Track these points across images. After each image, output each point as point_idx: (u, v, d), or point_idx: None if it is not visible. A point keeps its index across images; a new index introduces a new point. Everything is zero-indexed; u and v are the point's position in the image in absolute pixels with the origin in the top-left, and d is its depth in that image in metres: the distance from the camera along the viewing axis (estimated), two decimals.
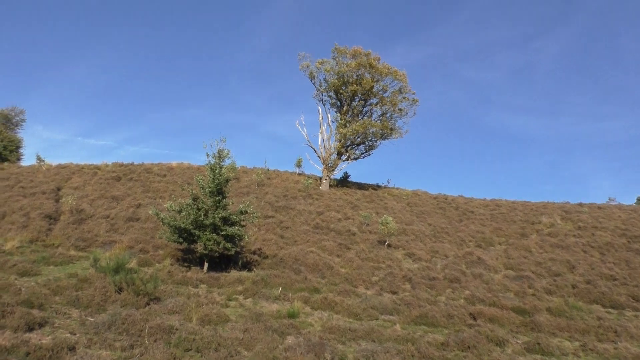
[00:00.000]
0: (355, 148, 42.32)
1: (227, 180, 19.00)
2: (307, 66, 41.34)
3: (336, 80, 40.27)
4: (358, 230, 27.63)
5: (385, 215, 27.47)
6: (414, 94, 41.17)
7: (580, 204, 42.46)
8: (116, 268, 13.04)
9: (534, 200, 45.64)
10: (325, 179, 39.75)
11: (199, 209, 18.00)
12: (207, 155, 19.14)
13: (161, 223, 18.68)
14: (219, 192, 18.62)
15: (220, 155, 18.97)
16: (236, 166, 37.89)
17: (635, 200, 51.14)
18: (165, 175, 36.21)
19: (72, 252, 18.27)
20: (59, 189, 29.23)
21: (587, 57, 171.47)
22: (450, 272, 21.00)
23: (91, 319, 10.68)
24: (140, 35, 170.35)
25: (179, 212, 18.18)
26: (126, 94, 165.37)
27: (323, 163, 40.53)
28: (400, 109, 41.10)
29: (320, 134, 42.17)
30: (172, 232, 17.81)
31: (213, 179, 18.46)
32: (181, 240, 17.86)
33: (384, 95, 41.00)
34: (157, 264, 18.04)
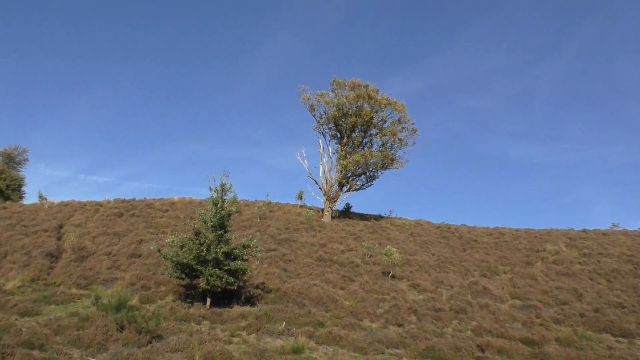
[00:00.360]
0: (357, 179, 42.46)
1: (229, 214, 19.11)
2: (308, 98, 42.03)
3: (336, 112, 40.85)
4: (361, 261, 27.50)
5: (388, 246, 27.38)
6: (413, 123, 41.74)
7: (585, 231, 42.21)
8: (117, 306, 12.96)
9: (538, 228, 45.62)
10: (327, 211, 39.74)
11: (201, 244, 18.01)
12: (210, 189, 19.43)
13: (163, 259, 18.65)
14: (221, 226, 18.69)
15: (222, 189, 19.19)
16: (238, 199, 37.87)
17: None
18: (167, 211, 36.29)
19: (74, 291, 18.16)
20: (60, 227, 29.25)
21: (584, 82, 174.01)
22: (456, 302, 20.75)
23: (92, 359, 10.55)
24: (141, 71, 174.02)
25: (181, 247, 18.18)
26: (127, 130, 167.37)
27: (325, 195, 40.64)
28: (400, 139, 41.48)
29: (321, 166, 42.46)
30: (174, 268, 17.77)
31: (215, 212, 18.56)
32: (183, 276, 17.81)
33: (384, 125, 41.52)
34: (159, 301, 17.89)
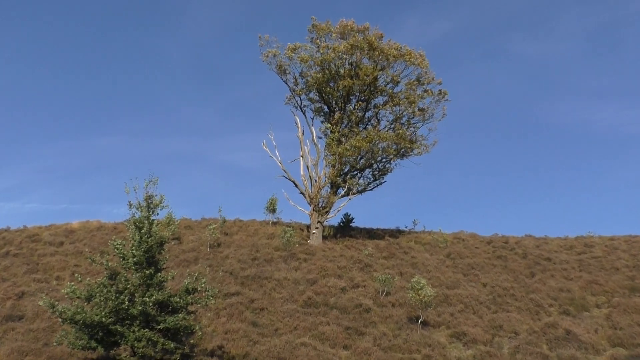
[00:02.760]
0: (359, 175, 42.34)
1: (161, 243, 19.13)
2: (274, 55, 41.85)
3: (319, 74, 40.84)
4: (374, 303, 27.26)
5: (415, 277, 27.24)
6: (439, 83, 41.69)
7: None
8: None
9: None
10: (316, 227, 39.63)
11: (119, 292, 17.89)
12: (130, 205, 19.40)
13: (60, 320, 18.38)
14: (149, 262, 18.64)
15: (149, 205, 19.27)
16: (175, 219, 37.42)
17: None
18: (62, 244, 35.82)
19: None
20: None
21: None
22: (525, 358, 20.71)
23: None
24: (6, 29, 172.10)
25: (89, 299, 18.07)
26: None
27: (310, 202, 40.52)
28: (421, 109, 41.55)
29: (301, 159, 42.38)
30: (79, 333, 17.59)
31: (140, 242, 18.55)
32: (94, 344, 17.64)
33: (395, 90, 41.57)
34: None
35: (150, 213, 19.19)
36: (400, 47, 40.46)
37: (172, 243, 35.17)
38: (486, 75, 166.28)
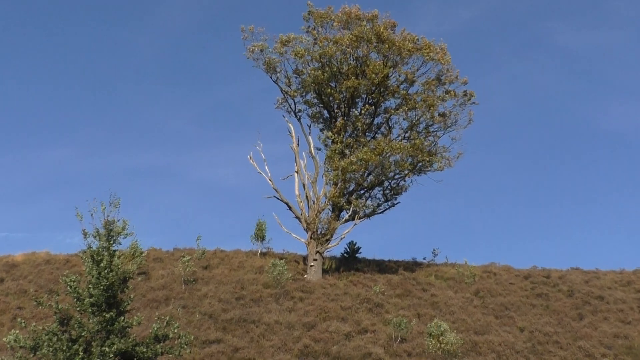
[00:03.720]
0: (366, 195, 42.17)
1: (125, 279, 19.26)
2: (261, 50, 41.88)
3: (318, 71, 40.68)
4: (386, 352, 27.12)
5: (436, 320, 27.12)
6: (464, 82, 41.56)
7: None
8: None
9: None
10: (315, 259, 39.35)
11: (72, 341, 17.84)
12: (85, 233, 19.38)
13: None
14: (110, 303, 18.65)
15: (109, 233, 19.35)
16: (142, 250, 37.30)
17: None
18: (1, 281, 35.95)
19: None
20: None
21: None
22: None
23: None
24: None
25: (34, 349, 17.98)
26: None
27: (307, 229, 40.29)
28: (442, 114, 41.42)
29: (296, 174, 42.18)
30: None
31: (98, 278, 18.54)
32: None
33: (410, 91, 41.44)
34: None
35: (111, 243, 19.23)
36: (417, 38, 40.46)
37: (139, 279, 34.05)
38: (521, 73, 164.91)
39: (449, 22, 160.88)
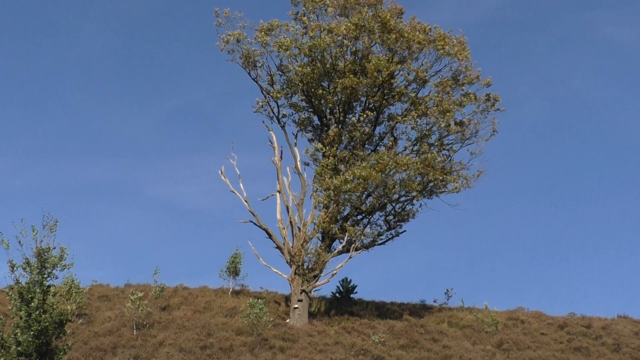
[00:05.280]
0: (365, 221, 41.95)
1: (61, 323, 19.24)
2: (238, 40, 41.72)
3: (307, 68, 40.56)
4: None
5: None
6: (487, 84, 41.52)
7: None
8: None
9: None
10: (300, 300, 39.02)
11: None
12: (11, 265, 19.47)
13: None
14: (42, 352, 18.47)
15: (42, 263, 19.34)
16: (81, 287, 37.10)
17: None
18: None
19: None
20: None
21: None
22: None
23: None
24: None
25: None
26: None
27: (291, 262, 39.91)
28: (459, 122, 41.30)
29: (278, 194, 41.92)
30: None
31: (27, 321, 18.50)
32: None
33: (420, 93, 41.39)
34: None
35: (45, 276, 19.07)
36: (429, 28, 40.35)
37: (79, 322, 34.45)
38: (559, 72, 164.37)
39: (470, 12, 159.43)
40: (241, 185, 42.33)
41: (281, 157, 42.81)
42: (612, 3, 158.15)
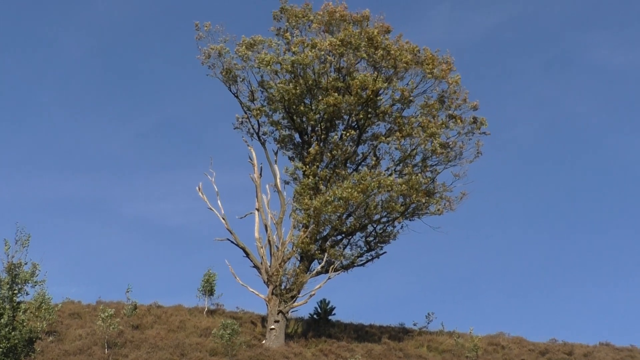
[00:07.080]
0: (345, 242, 41.81)
1: (31, 341, 19.20)
2: (219, 54, 41.56)
3: (290, 85, 40.37)
4: None
5: None
6: (474, 107, 41.65)
7: None
8: None
9: None
10: (276, 321, 38.71)
11: None
12: None
13: None
14: None
15: (13, 279, 19.35)
16: (53, 304, 36.70)
17: None
18: None
19: None
20: None
21: None
22: None
23: None
24: None
25: None
26: None
27: (268, 282, 39.57)
28: (444, 144, 41.22)
29: (257, 212, 41.65)
30: None
31: None
32: None
33: (405, 113, 41.45)
34: None
35: (15, 292, 18.91)
36: (416, 48, 40.42)
37: (49, 339, 34.17)
38: (550, 94, 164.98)
39: (462, 32, 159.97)
40: (219, 202, 42.09)
41: (261, 175, 42.62)
42: (604, 26, 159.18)
